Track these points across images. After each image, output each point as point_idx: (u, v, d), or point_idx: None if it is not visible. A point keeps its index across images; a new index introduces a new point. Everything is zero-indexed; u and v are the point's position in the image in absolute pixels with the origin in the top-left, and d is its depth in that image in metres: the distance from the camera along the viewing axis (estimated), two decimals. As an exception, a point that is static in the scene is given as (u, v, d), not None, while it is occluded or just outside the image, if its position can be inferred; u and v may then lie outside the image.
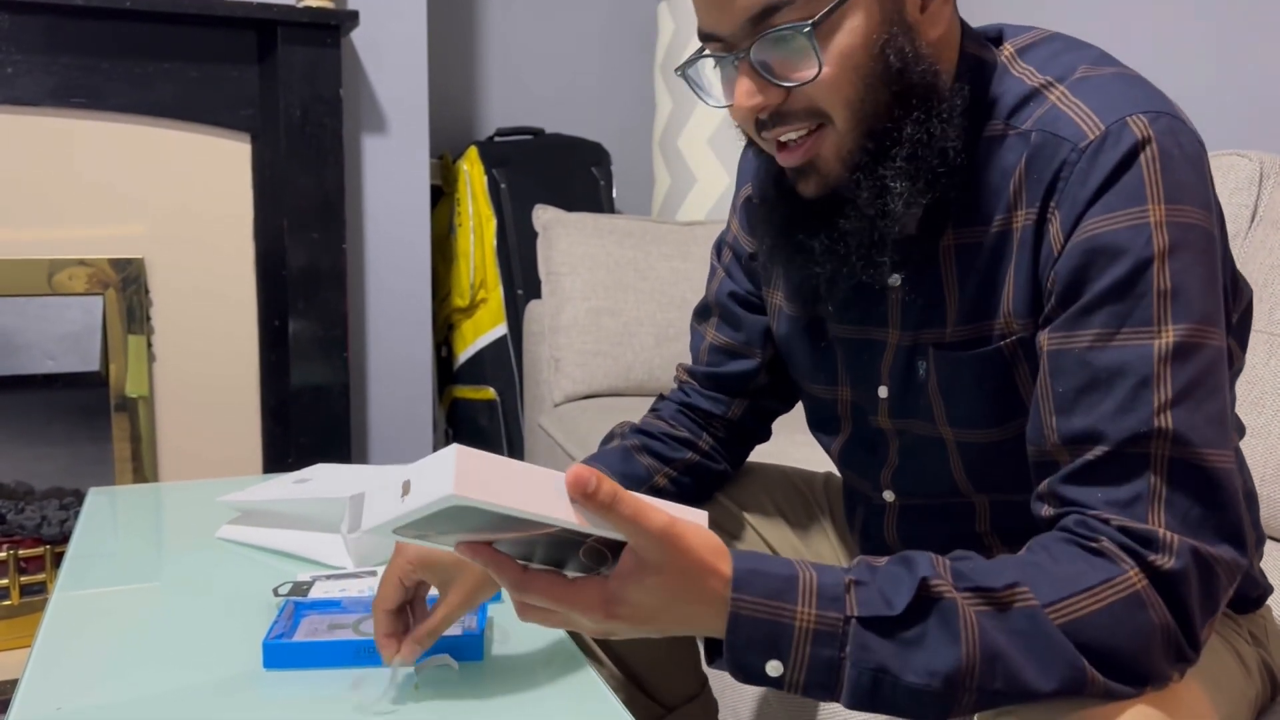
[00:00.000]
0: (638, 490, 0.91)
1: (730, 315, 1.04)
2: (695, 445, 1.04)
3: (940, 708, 0.66)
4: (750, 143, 1.04)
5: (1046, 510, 0.73)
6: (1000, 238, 0.79)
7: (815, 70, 0.73)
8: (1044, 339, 0.74)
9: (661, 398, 1.10)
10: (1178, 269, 0.70)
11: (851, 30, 0.73)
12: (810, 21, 0.72)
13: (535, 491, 0.62)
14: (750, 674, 0.67)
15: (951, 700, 0.66)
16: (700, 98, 0.83)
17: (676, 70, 0.82)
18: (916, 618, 0.66)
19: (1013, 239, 0.78)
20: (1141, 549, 0.66)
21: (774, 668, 0.66)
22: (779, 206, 0.84)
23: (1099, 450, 0.70)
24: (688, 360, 1.11)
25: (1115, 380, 0.70)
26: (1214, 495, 0.68)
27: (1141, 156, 0.71)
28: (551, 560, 0.69)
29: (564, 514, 0.63)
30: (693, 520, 0.68)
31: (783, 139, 0.78)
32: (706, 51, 0.79)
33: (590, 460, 0.98)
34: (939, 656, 0.65)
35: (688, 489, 1.03)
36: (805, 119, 0.76)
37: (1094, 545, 0.68)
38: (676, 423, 1.05)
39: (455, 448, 0.61)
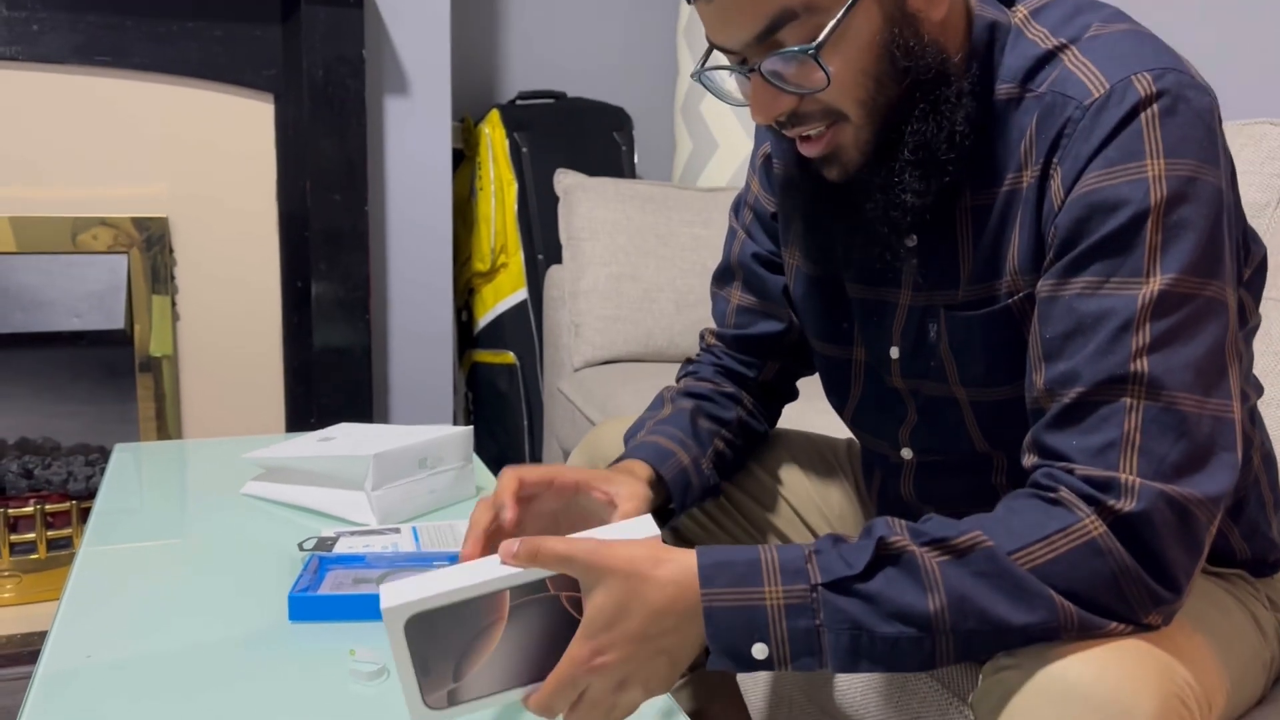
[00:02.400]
0: (702, 455, 0.96)
1: (753, 276, 1.04)
2: (741, 402, 1.05)
3: (920, 656, 0.68)
4: None
5: (1029, 460, 0.75)
6: (1009, 197, 0.80)
7: (825, 83, 0.75)
8: (1038, 288, 0.76)
9: (689, 361, 1.10)
10: (1173, 221, 0.70)
11: (856, 37, 0.74)
12: (814, 45, 0.73)
13: (476, 573, 0.69)
14: (741, 662, 0.69)
15: (931, 646, 0.68)
16: (719, 98, 0.85)
17: (692, 75, 0.85)
18: (878, 573, 0.68)
19: (1019, 197, 0.79)
20: (1100, 495, 0.68)
21: (759, 650, 0.68)
22: (804, 185, 0.87)
23: (1075, 393, 0.71)
24: (708, 326, 1.11)
25: (1098, 325, 0.71)
26: (1191, 440, 0.68)
27: (1144, 114, 0.71)
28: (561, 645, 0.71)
29: (513, 574, 0.69)
30: (629, 534, 0.72)
31: (803, 135, 0.80)
32: (717, 60, 0.81)
33: (656, 426, 0.98)
34: (907, 605, 0.67)
35: (740, 450, 1.05)
36: (821, 119, 0.78)
37: (1052, 495, 0.69)
38: (719, 381, 1.05)
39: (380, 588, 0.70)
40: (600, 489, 0.84)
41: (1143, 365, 0.69)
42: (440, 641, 0.68)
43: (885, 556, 0.69)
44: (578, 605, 0.71)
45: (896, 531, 0.70)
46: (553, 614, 0.71)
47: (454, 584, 0.68)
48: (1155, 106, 0.71)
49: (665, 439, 0.96)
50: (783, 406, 1.11)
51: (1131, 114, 0.72)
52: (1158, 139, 0.71)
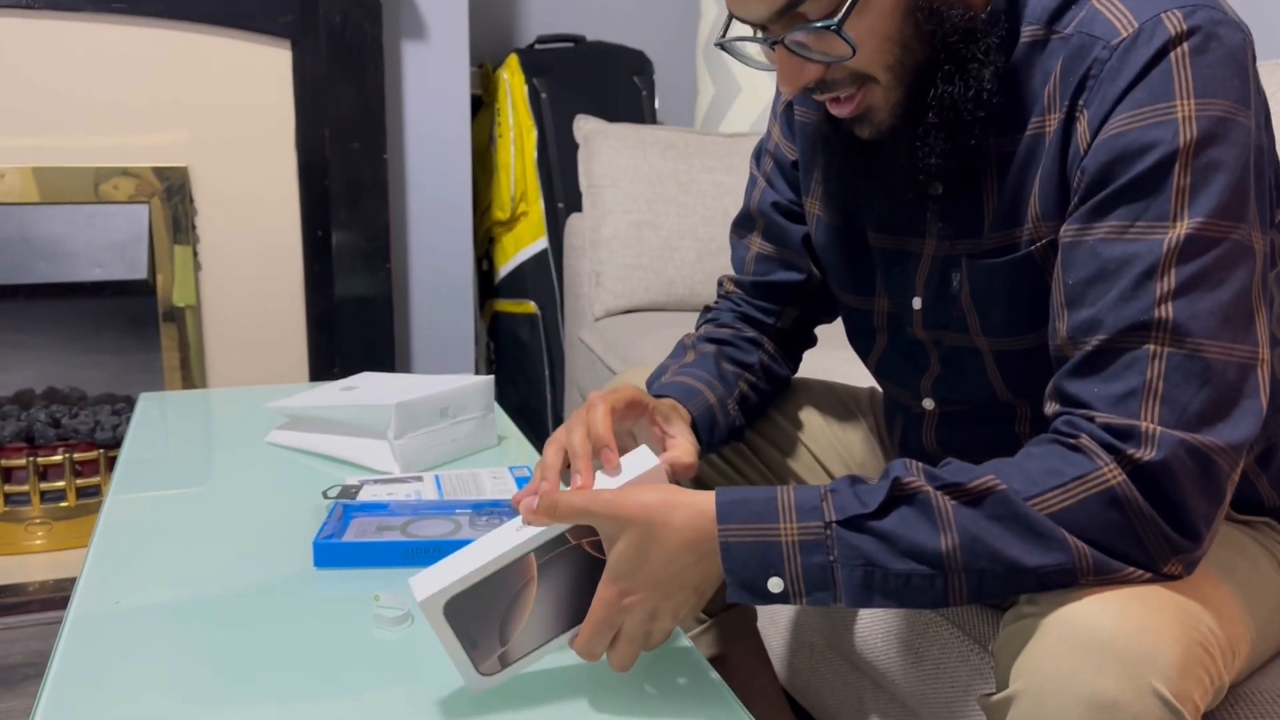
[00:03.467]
0: (728, 396, 0.97)
1: (773, 225, 1.03)
2: (762, 346, 1.05)
3: (932, 593, 0.69)
4: None
5: (1050, 408, 0.74)
6: (1033, 142, 0.78)
7: (850, 53, 0.74)
8: (1062, 233, 0.75)
9: (708, 309, 1.10)
10: (1202, 164, 0.69)
11: (879, 4, 0.73)
12: (835, 20, 0.72)
13: (497, 542, 0.72)
14: (758, 595, 0.71)
15: (943, 584, 0.68)
16: (743, 63, 0.84)
17: (715, 43, 0.84)
18: (892, 511, 0.69)
19: (1044, 141, 0.77)
20: (1120, 443, 0.67)
21: (775, 584, 0.70)
22: (830, 138, 0.87)
23: (1097, 340, 0.70)
24: (728, 273, 1.11)
25: (1122, 271, 0.70)
26: (1214, 388, 0.68)
27: (1173, 53, 0.70)
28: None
29: (532, 536, 0.72)
30: (634, 469, 0.75)
31: (833, 98, 0.80)
32: (739, 29, 0.80)
33: (681, 369, 0.99)
34: (919, 543, 0.68)
35: (764, 393, 1.05)
36: (850, 83, 0.78)
37: (1073, 442, 0.69)
38: (739, 326, 1.06)
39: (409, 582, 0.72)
40: (660, 425, 0.86)
41: (1167, 311, 0.68)
42: (480, 615, 0.71)
43: (900, 496, 0.69)
44: (599, 547, 0.73)
45: (912, 473, 0.70)
46: (579, 561, 0.74)
47: (478, 561, 0.71)
48: (1186, 45, 0.70)
49: (692, 379, 0.96)
50: (802, 353, 1.11)
51: (1161, 53, 0.70)
52: (1188, 78, 0.69)
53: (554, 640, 0.74)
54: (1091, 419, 0.69)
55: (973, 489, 0.68)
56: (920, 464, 0.71)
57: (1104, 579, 0.67)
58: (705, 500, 0.71)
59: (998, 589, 0.68)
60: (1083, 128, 0.74)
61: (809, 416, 1.10)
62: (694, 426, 0.92)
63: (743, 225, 1.07)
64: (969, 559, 0.67)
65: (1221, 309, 0.68)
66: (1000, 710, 0.67)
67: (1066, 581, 0.67)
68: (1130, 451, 0.67)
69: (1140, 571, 0.67)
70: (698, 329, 1.08)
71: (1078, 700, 0.63)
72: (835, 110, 0.80)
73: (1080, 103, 0.74)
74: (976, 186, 0.82)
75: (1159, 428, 0.67)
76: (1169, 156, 0.69)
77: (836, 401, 1.12)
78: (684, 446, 0.85)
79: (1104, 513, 0.67)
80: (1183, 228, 0.68)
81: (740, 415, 0.99)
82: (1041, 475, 0.68)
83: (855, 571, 0.69)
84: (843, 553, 0.69)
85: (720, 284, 1.10)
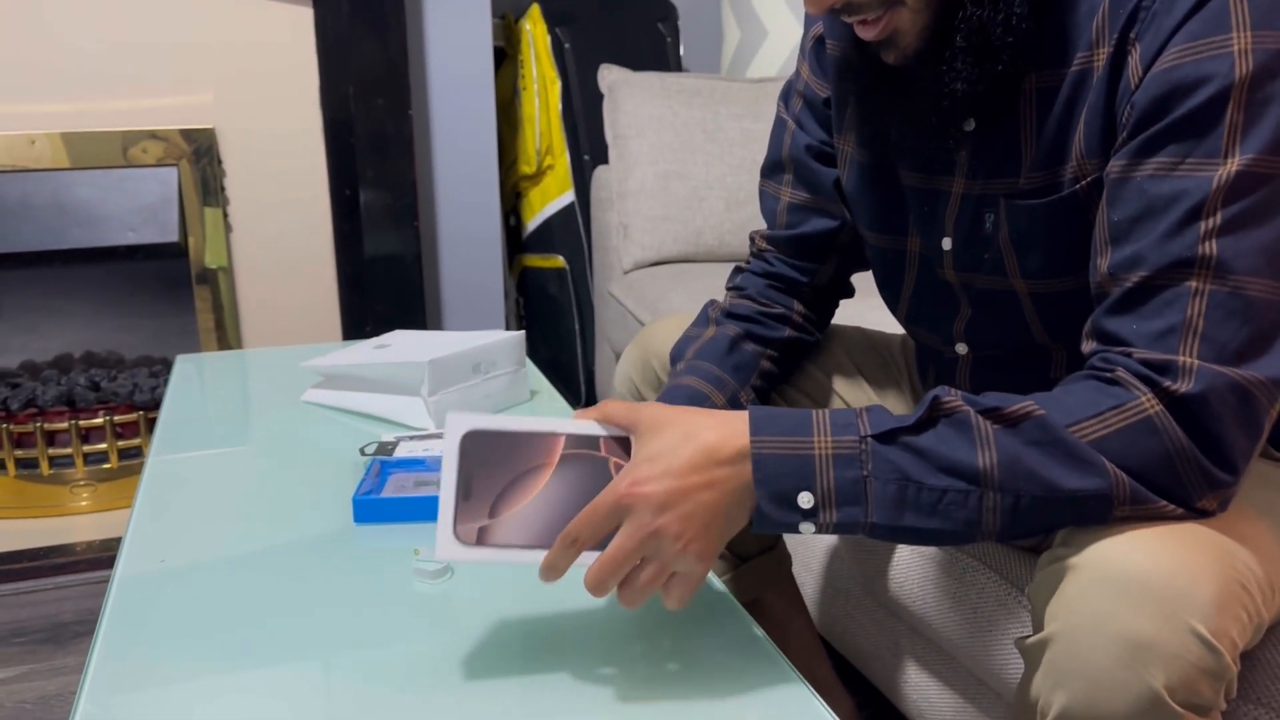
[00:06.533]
0: (740, 388, 0.97)
1: (805, 170, 1.01)
2: (790, 320, 1.04)
3: (966, 512, 0.68)
4: None
5: (1087, 345, 0.74)
6: (1079, 78, 0.77)
7: None
8: (1109, 169, 0.73)
9: (739, 270, 1.08)
10: (1257, 98, 0.67)
11: None
12: None
13: (537, 424, 0.72)
14: (787, 508, 0.69)
15: (978, 503, 0.67)
16: None
17: None
18: (930, 428, 0.68)
19: (1091, 77, 0.76)
20: (1157, 377, 0.67)
21: (805, 499, 0.69)
22: (860, 67, 0.86)
23: (1138, 277, 0.69)
24: (759, 224, 1.09)
25: (1169, 208, 0.69)
26: (1255, 325, 0.67)
27: None
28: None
29: (571, 424, 0.73)
30: None
31: (860, 20, 0.79)
32: None
33: (693, 360, 0.98)
34: (957, 459, 0.67)
35: (786, 367, 1.05)
36: (877, 6, 0.76)
37: (1109, 376, 0.69)
38: (767, 299, 1.04)
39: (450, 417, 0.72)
40: None
41: (1211, 248, 0.67)
42: (488, 469, 0.70)
43: (939, 415, 0.69)
44: None
45: (952, 395, 0.70)
46: (597, 477, 0.73)
47: (514, 416, 0.72)
48: None
49: (699, 380, 0.95)
50: (837, 304, 1.09)
51: None
52: (1244, 10, 0.67)
53: (530, 551, 0.71)
54: (1129, 354, 0.69)
55: (1011, 413, 0.68)
56: (958, 390, 0.71)
57: (1140, 510, 0.67)
58: (741, 413, 0.72)
59: (1033, 514, 0.68)
60: (1134, 61, 0.72)
61: (843, 365, 1.09)
62: None
63: (772, 173, 1.06)
64: (1006, 477, 0.67)
65: (1267, 246, 0.67)
66: (1036, 653, 0.68)
67: (1102, 511, 0.67)
68: (1167, 384, 0.66)
69: (1175, 506, 0.67)
70: (727, 290, 1.07)
71: (1113, 640, 0.63)
72: (862, 33, 0.79)
73: (1132, 36, 0.72)
74: (1013, 124, 0.81)
75: (1197, 362, 0.66)
76: (1223, 91, 0.67)
77: (870, 349, 1.12)
78: None
79: (1142, 441, 0.66)
80: (1233, 164, 0.67)
81: (756, 402, 0.99)
82: (1079, 406, 0.68)
83: (889, 486, 0.68)
84: (877, 466, 0.68)
85: (752, 240, 1.08)
